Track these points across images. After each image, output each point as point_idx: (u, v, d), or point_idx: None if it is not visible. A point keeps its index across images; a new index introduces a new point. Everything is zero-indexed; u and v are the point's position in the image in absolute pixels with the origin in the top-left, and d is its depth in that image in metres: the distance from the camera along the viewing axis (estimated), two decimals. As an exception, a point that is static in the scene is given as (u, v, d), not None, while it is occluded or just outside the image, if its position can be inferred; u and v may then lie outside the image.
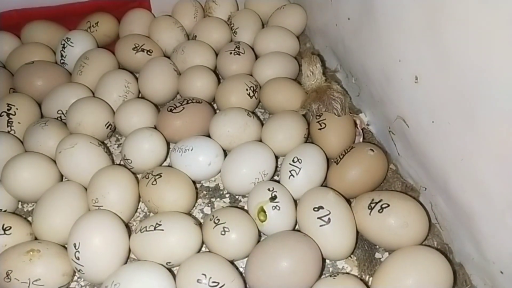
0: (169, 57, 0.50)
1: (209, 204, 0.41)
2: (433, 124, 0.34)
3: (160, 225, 0.34)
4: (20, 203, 0.41)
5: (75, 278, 0.35)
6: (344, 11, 0.45)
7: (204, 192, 0.42)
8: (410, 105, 0.37)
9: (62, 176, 0.41)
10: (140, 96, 0.48)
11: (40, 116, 0.45)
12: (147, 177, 0.38)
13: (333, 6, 0.47)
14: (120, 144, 0.45)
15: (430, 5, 0.30)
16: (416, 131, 0.37)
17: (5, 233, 0.35)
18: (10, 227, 0.35)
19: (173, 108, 0.42)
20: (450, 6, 0.28)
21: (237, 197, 0.42)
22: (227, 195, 0.42)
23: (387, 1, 0.36)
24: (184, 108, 0.42)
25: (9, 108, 0.43)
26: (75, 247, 0.33)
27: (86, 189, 0.38)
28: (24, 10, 0.51)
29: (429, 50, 0.32)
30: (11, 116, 0.42)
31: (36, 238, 0.36)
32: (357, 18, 0.43)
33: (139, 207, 0.40)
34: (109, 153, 0.42)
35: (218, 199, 0.41)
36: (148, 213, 0.40)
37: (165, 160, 0.43)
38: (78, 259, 0.33)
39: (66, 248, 0.35)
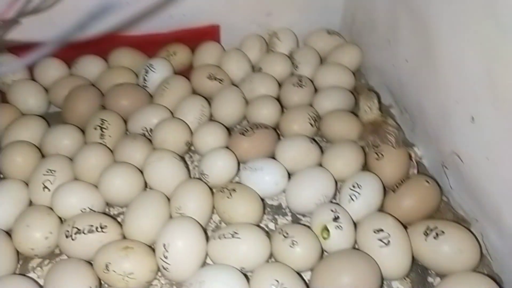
0: (237, 86, 0.57)
1: (273, 220, 0.46)
2: (488, 161, 0.38)
3: (237, 233, 0.39)
4: (107, 207, 0.47)
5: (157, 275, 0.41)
6: (402, 53, 0.51)
7: (268, 209, 0.47)
8: (465, 142, 0.41)
9: (146, 184, 0.47)
10: (211, 119, 0.55)
11: (125, 131, 0.52)
12: (223, 191, 0.44)
13: (391, 47, 0.53)
14: (192, 160, 0.52)
15: (487, 51, 0.35)
16: (470, 166, 0.41)
17: (102, 231, 0.41)
18: (106, 226, 0.41)
19: (244, 131, 0.49)
20: (506, 53, 0.33)
21: (298, 215, 0.47)
22: (289, 213, 0.47)
23: (447, 46, 0.41)
24: (254, 132, 0.49)
25: (102, 122, 0.50)
26: (164, 247, 0.38)
27: (167, 197, 0.45)
28: (112, 37, 0.59)
29: (486, 92, 0.37)
30: (103, 129, 0.50)
31: (124, 238, 0.42)
32: (415, 60, 0.48)
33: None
34: (187, 167, 0.48)
35: (281, 216, 0.47)
36: (219, 223, 0.45)
37: (235, 177, 0.49)
38: (166, 258, 0.38)
39: (151, 247, 0.41)
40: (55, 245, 0.43)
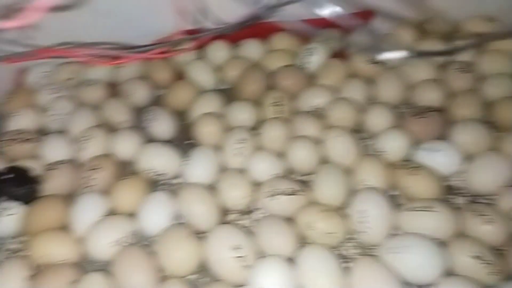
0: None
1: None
2: None
3: (433, 207, 0.43)
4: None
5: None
6: None
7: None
8: None
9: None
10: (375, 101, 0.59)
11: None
12: (406, 167, 0.48)
13: None
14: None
15: None
16: None
17: (299, 194, 0.47)
18: (302, 190, 0.47)
19: (416, 113, 0.53)
20: None
21: (477, 197, 0.48)
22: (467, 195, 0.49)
23: None
24: (425, 114, 0.52)
25: (277, 100, 0.56)
26: (363, 212, 0.44)
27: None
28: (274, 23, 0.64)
29: None
30: (279, 106, 0.55)
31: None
32: None
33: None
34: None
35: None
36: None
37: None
38: (365, 222, 0.43)
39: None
40: (252, 203, 0.50)
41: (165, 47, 0.55)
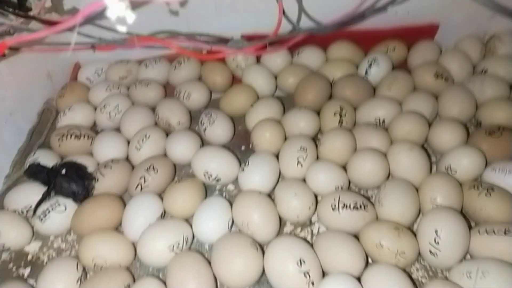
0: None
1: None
2: None
3: (510, 231, 0.40)
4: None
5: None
6: None
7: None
8: None
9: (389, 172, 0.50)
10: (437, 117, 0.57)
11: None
12: (477, 188, 0.45)
13: None
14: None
15: None
16: None
17: (364, 209, 0.45)
18: (367, 205, 0.45)
19: (492, 132, 0.50)
20: None
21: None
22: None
23: None
24: (501, 133, 0.49)
25: (341, 109, 0.54)
26: (436, 233, 0.41)
27: (415, 187, 0.47)
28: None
29: None
30: (342, 116, 0.54)
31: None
32: None
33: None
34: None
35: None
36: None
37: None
38: (437, 243, 0.41)
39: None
40: (313, 215, 0.48)
41: (261, 44, 0.54)
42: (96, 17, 0.17)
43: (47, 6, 0.45)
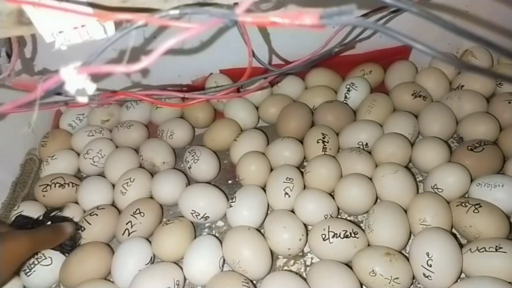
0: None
1: (514, 238, 0.47)
2: None
3: (501, 247, 0.41)
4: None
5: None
6: None
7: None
8: None
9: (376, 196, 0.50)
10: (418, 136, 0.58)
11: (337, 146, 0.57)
12: (465, 205, 0.46)
13: None
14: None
15: None
16: None
17: (355, 237, 0.45)
18: (357, 232, 0.45)
19: (473, 147, 0.50)
20: None
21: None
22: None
23: None
24: (483, 148, 0.50)
25: (323, 136, 0.55)
26: (427, 255, 0.41)
27: (403, 208, 0.48)
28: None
29: None
30: (325, 143, 0.54)
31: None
32: None
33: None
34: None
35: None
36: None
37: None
38: (430, 266, 0.41)
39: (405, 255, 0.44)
40: (304, 246, 0.48)
41: (235, 87, 0.56)
42: (57, 88, 0.18)
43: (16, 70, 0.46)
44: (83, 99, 0.18)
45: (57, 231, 0.48)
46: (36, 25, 0.23)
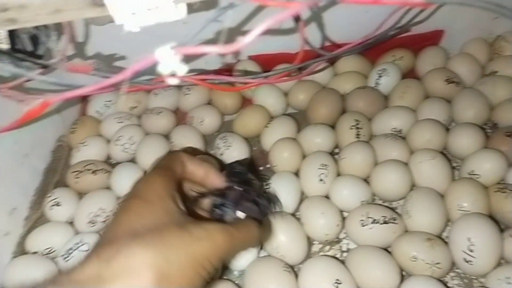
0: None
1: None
2: None
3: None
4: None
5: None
6: None
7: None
8: None
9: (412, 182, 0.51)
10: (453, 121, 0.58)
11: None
12: (503, 191, 0.46)
13: None
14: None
15: None
16: None
17: (394, 222, 0.46)
18: (396, 218, 0.46)
19: (510, 133, 0.51)
20: None
21: None
22: None
23: None
24: (521, 134, 0.51)
25: (357, 122, 0.56)
26: (469, 240, 0.42)
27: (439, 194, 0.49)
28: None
29: None
30: (359, 129, 0.55)
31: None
32: None
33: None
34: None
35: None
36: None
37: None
38: (471, 251, 0.42)
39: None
40: (340, 232, 0.49)
41: (290, 70, 0.56)
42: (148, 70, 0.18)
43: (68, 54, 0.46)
44: (173, 81, 0.18)
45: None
46: (109, 6, 0.24)
